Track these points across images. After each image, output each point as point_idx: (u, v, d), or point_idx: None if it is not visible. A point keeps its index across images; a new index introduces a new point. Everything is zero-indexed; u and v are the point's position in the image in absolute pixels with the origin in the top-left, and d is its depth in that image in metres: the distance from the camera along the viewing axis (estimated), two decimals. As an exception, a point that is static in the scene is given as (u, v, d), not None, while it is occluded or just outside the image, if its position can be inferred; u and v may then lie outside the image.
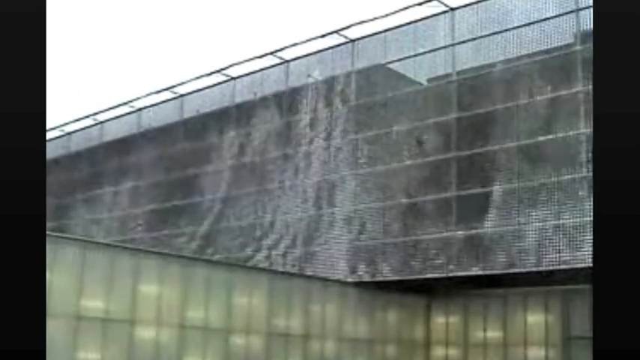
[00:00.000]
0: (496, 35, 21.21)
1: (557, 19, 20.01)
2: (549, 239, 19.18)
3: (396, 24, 23.43)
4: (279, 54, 26.52)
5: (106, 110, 33.85)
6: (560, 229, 19.00)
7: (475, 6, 21.83)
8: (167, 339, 18.33)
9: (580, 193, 18.70)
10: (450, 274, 21.09)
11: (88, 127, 35.48)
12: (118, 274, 17.51)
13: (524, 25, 20.61)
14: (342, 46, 25.01)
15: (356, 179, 23.59)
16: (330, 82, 25.22)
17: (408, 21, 23.21)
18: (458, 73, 22.21)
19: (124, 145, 32.88)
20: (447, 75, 22.48)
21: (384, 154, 23.19)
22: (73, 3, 65.98)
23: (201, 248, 27.07)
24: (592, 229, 16.90)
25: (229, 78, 28.54)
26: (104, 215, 32.61)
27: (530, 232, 19.54)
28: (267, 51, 26.61)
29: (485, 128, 21.19)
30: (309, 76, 25.95)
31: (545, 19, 20.23)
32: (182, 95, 30.65)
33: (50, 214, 30.54)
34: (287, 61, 26.57)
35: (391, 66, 23.97)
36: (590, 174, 18.23)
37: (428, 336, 25.14)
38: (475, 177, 21.01)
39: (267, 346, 20.47)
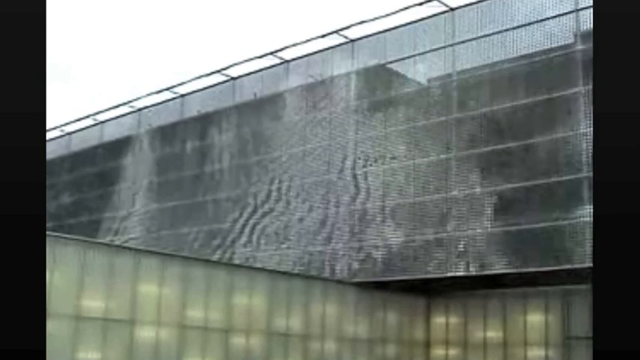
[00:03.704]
0: (496, 35, 21.21)
1: (557, 19, 20.01)
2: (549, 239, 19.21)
3: (396, 24, 23.43)
4: (279, 54, 26.51)
5: (106, 110, 33.87)
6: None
7: (475, 6, 21.83)
8: (167, 339, 18.33)
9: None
10: (450, 274, 21.10)
11: (88, 127, 35.48)
12: (118, 274, 17.51)
13: (524, 25, 20.61)
14: (342, 46, 25.01)
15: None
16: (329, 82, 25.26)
17: (408, 21, 23.21)
18: (458, 73, 22.21)
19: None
20: (447, 75, 22.47)
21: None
22: (73, 3, 66.03)
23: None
24: (592, 229, 16.92)
25: (229, 78, 28.54)
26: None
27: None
28: (267, 51, 26.64)
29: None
30: (309, 76, 25.96)
31: (545, 19, 20.23)
32: (182, 95, 30.66)
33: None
34: (287, 61, 26.58)
35: (391, 66, 23.97)
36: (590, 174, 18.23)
37: (428, 336, 25.14)
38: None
39: (267, 346, 20.47)
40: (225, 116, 28.56)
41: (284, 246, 24.86)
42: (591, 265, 16.61)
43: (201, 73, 28.88)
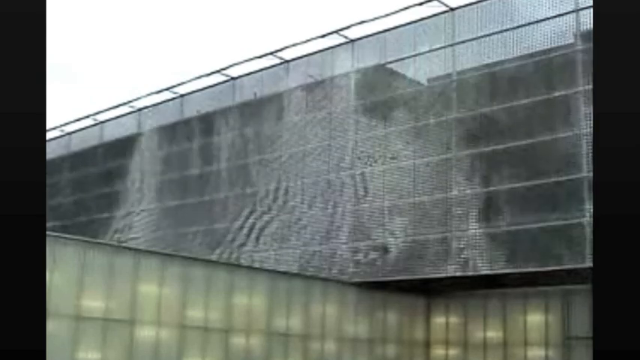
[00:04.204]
0: (496, 35, 21.20)
1: (557, 19, 20.01)
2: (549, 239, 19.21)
3: (396, 24, 23.43)
4: (279, 54, 26.51)
5: (106, 110, 33.88)
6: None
7: (475, 6, 21.82)
8: (167, 339, 18.33)
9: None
10: (449, 274, 21.10)
11: (88, 127, 35.49)
12: (118, 274, 17.50)
13: (524, 25, 20.60)
14: (342, 46, 25.00)
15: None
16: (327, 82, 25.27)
17: (408, 21, 23.20)
18: (458, 73, 22.20)
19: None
20: (447, 75, 22.46)
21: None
22: (73, 3, 66.03)
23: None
24: (592, 229, 16.91)
25: (229, 78, 28.54)
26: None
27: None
28: (267, 51, 26.64)
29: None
30: (309, 76, 25.95)
31: (545, 19, 20.22)
32: (182, 95, 30.66)
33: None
34: (287, 61, 26.58)
35: (391, 66, 23.96)
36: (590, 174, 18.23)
37: (428, 336, 25.14)
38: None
39: (267, 346, 20.47)
40: (225, 116, 28.56)
41: (286, 246, 24.85)
42: (591, 265, 16.66)
43: (201, 73, 28.93)
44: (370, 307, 23.48)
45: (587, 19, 19.33)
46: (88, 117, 35.01)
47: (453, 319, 24.86)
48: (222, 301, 19.74)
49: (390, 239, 22.46)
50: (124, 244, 25.62)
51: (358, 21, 24.00)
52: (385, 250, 22.24)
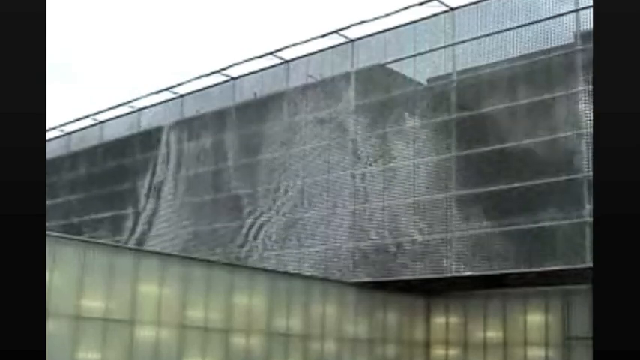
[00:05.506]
0: (496, 35, 21.20)
1: (557, 19, 20.01)
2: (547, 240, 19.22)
3: (396, 24, 23.42)
4: (279, 54, 26.50)
5: (106, 110, 33.89)
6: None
7: (475, 6, 21.82)
8: (167, 339, 18.32)
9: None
10: (449, 274, 21.10)
11: (88, 127, 35.49)
12: (118, 274, 17.49)
13: (524, 25, 20.61)
14: (342, 46, 24.99)
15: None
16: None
17: (408, 21, 23.20)
18: (458, 73, 22.20)
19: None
20: (447, 75, 22.46)
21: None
22: (73, 3, 66.03)
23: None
24: (592, 229, 16.91)
25: (229, 78, 28.53)
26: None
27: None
28: (267, 51, 26.63)
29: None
30: (309, 76, 25.95)
31: (545, 19, 20.23)
32: (182, 95, 30.65)
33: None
34: (287, 61, 26.57)
35: (391, 66, 23.96)
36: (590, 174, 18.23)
37: (428, 336, 25.14)
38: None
39: (267, 346, 20.46)
40: (225, 117, 28.55)
41: (286, 246, 24.84)
42: (591, 265, 16.66)
43: (201, 73, 28.92)
44: (370, 307, 23.47)
45: (587, 19, 19.33)
46: (88, 117, 35.02)
47: (453, 319, 24.86)
48: (222, 301, 19.73)
49: (390, 239, 22.45)
50: (123, 245, 25.64)
51: (358, 21, 24.01)
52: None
